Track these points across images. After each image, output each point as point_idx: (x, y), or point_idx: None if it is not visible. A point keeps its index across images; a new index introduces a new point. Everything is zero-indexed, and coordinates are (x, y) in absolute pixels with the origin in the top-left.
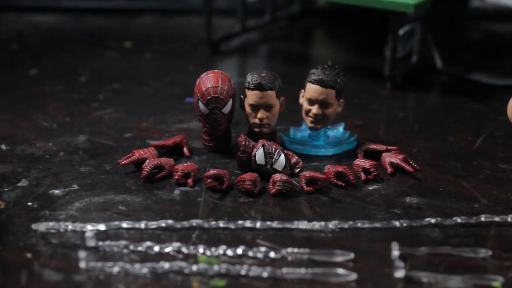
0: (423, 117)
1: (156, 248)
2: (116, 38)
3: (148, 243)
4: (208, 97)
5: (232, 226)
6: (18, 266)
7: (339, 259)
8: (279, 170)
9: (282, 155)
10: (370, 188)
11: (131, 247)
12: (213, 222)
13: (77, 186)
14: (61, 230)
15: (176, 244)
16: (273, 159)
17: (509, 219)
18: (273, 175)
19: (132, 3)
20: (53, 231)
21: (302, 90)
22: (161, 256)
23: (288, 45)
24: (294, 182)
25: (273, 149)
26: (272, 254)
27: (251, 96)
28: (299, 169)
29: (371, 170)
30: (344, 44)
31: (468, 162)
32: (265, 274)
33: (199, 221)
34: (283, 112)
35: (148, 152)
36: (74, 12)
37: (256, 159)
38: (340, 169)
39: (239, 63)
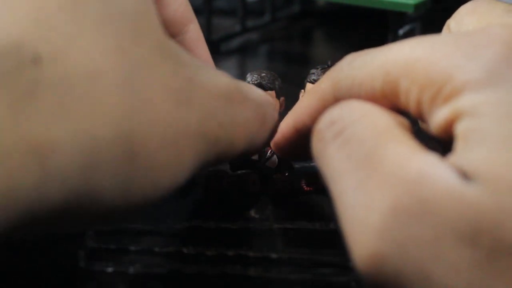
0: None
1: (156, 249)
2: None
3: (149, 243)
4: None
5: (232, 226)
6: None
7: (339, 259)
8: (272, 168)
9: (275, 155)
10: None
11: (131, 247)
12: (213, 222)
13: None
14: None
15: (176, 244)
16: (266, 156)
17: None
18: (273, 175)
19: None
20: None
21: (302, 90)
22: (161, 256)
23: (288, 45)
24: (294, 182)
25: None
26: (272, 255)
27: None
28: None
29: None
30: (344, 44)
31: None
32: (264, 275)
33: (199, 221)
34: (283, 112)
35: None
36: None
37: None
38: None
39: (239, 63)
